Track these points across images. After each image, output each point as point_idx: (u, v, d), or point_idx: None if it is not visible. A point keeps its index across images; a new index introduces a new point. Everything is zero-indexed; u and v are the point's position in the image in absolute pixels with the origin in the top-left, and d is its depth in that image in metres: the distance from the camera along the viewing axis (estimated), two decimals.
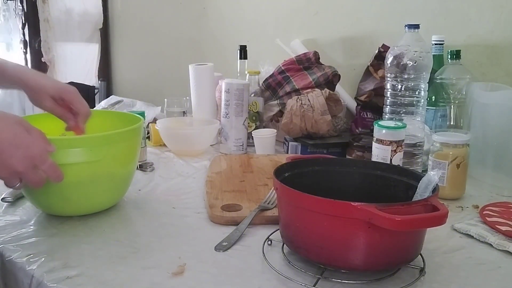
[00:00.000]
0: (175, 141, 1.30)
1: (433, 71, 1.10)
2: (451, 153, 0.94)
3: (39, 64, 2.84)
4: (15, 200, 0.92)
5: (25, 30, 2.85)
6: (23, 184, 0.71)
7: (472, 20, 1.21)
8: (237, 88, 1.26)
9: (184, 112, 1.48)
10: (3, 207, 0.89)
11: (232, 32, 1.82)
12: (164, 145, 1.33)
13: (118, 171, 0.85)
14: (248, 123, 1.32)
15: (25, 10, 2.82)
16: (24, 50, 2.87)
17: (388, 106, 1.04)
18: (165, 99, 1.49)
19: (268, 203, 0.87)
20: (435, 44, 1.19)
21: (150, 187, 1.03)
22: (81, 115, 0.88)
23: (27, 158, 0.69)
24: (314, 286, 0.62)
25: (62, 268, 0.68)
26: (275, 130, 1.30)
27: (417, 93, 1.00)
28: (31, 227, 0.81)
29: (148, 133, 1.38)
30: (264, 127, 1.37)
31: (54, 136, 0.75)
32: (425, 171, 0.99)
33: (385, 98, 1.05)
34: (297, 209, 0.66)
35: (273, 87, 1.42)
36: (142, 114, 1.17)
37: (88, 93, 2.46)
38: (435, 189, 0.65)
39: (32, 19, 2.82)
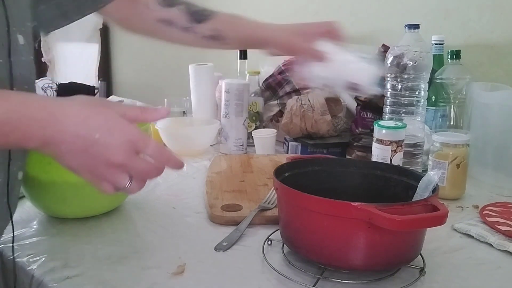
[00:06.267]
0: (175, 141, 1.30)
1: (433, 71, 1.10)
2: (451, 153, 0.94)
3: (39, 64, 2.84)
4: None
5: None
6: (134, 183, 0.57)
7: (472, 20, 1.21)
8: (237, 88, 1.26)
9: (184, 112, 1.48)
10: None
11: None
12: (164, 145, 1.33)
13: None
14: (248, 123, 1.32)
15: None
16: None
17: (388, 106, 1.04)
18: (165, 99, 1.49)
19: (268, 203, 0.87)
20: (435, 44, 1.19)
21: (150, 187, 1.03)
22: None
23: (126, 143, 0.55)
24: (314, 286, 0.62)
25: (62, 268, 0.68)
26: (275, 130, 1.30)
27: (417, 93, 1.00)
28: (31, 227, 0.81)
29: None
30: (264, 127, 1.37)
31: None
32: (425, 171, 0.99)
33: (385, 98, 1.05)
34: (297, 209, 0.66)
35: (273, 87, 1.42)
36: None
37: (88, 93, 2.46)
38: (435, 189, 0.65)
39: None
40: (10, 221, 0.70)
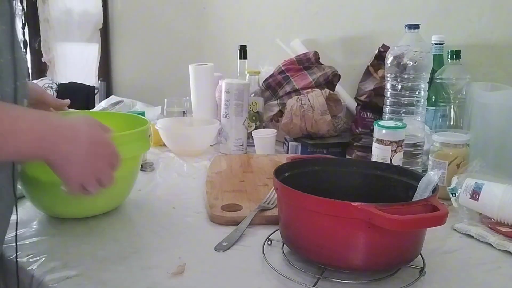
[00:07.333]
0: (175, 141, 1.30)
1: (433, 71, 1.10)
2: (451, 153, 0.94)
3: (39, 64, 2.84)
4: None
5: (25, 30, 2.85)
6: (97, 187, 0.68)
7: (472, 20, 1.21)
8: (237, 88, 1.26)
9: (184, 112, 1.48)
10: None
11: (232, 32, 1.82)
12: (164, 145, 1.33)
13: (123, 174, 0.84)
14: (248, 123, 1.32)
15: (25, 10, 2.83)
16: (24, 50, 2.87)
17: (388, 106, 1.04)
18: (165, 99, 1.49)
19: (268, 203, 0.87)
20: (435, 44, 1.19)
21: (150, 187, 1.03)
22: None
23: (110, 155, 0.68)
24: (314, 286, 0.62)
25: (62, 268, 0.68)
26: (275, 130, 1.30)
27: (417, 93, 1.00)
28: (31, 227, 0.81)
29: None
30: (264, 127, 1.37)
31: None
32: (425, 171, 0.99)
33: (385, 98, 1.05)
34: (297, 209, 0.66)
35: (273, 87, 1.42)
36: (142, 114, 1.17)
37: (88, 93, 2.46)
38: (435, 189, 0.65)
39: (32, 19, 2.82)
40: (15, 215, 0.72)
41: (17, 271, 0.69)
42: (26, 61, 0.79)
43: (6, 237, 0.76)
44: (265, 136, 1.27)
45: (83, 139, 0.64)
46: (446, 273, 0.68)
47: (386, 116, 1.04)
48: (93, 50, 2.51)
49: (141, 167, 1.13)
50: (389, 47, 1.06)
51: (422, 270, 0.66)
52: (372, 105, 1.24)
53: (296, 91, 1.36)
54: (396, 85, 1.01)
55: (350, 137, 1.26)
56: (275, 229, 0.76)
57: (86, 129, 0.65)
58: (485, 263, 0.71)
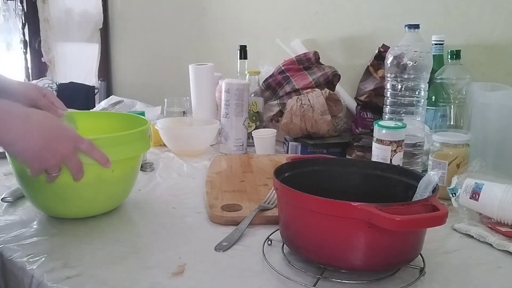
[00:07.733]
0: (175, 141, 1.30)
1: (433, 71, 1.10)
2: (451, 153, 0.94)
3: (39, 64, 2.85)
4: (15, 200, 0.92)
5: (25, 30, 2.86)
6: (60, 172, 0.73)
7: (472, 20, 1.21)
8: (237, 88, 1.26)
9: (184, 112, 1.48)
10: (3, 207, 0.89)
11: (232, 32, 1.82)
12: (164, 145, 1.33)
13: (122, 173, 0.84)
14: (248, 123, 1.32)
15: (25, 10, 2.83)
16: (24, 50, 2.88)
17: (388, 106, 1.04)
18: (165, 99, 1.49)
19: (268, 203, 0.87)
20: (435, 44, 1.19)
21: (150, 187, 1.03)
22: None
23: (70, 139, 0.72)
24: (314, 286, 0.62)
25: (62, 268, 0.68)
26: (275, 130, 1.30)
27: (417, 93, 1.00)
28: (31, 227, 0.81)
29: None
30: (264, 127, 1.37)
31: None
32: (425, 171, 0.99)
33: (385, 98, 1.05)
34: (297, 209, 0.66)
35: (273, 87, 1.42)
36: (142, 114, 1.17)
37: (88, 93, 2.46)
38: (435, 189, 0.65)
39: (32, 19, 2.83)
40: None
41: None
42: None
43: (6, 237, 0.77)
44: (265, 136, 1.27)
45: (34, 122, 0.68)
46: (446, 273, 0.68)
47: (386, 116, 1.04)
48: (93, 50, 2.51)
49: (141, 167, 1.13)
50: (389, 47, 1.06)
51: (422, 270, 0.66)
52: (372, 105, 1.24)
53: (296, 91, 1.36)
54: (396, 85, 1.01)
55: (350, 137, 1.26)
56: (275, 229, 0.76)
57: (36, 115, 0.70)
58: (485, 263, 0.71)
